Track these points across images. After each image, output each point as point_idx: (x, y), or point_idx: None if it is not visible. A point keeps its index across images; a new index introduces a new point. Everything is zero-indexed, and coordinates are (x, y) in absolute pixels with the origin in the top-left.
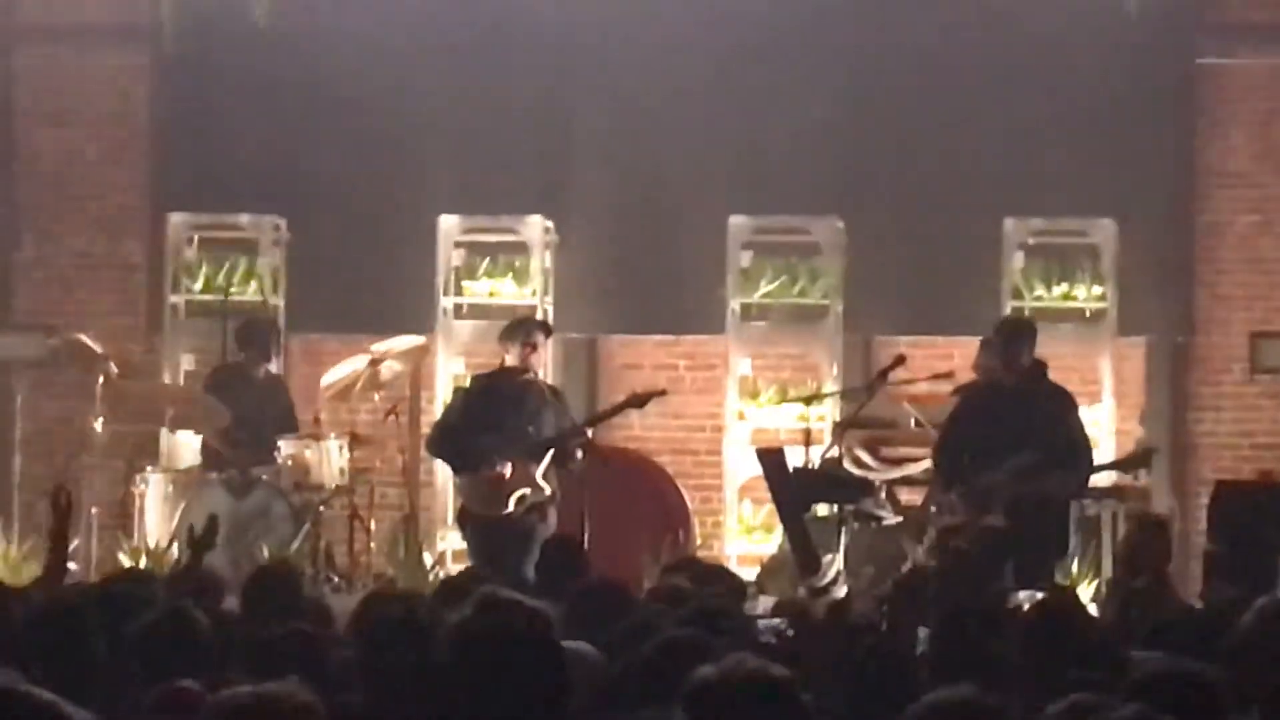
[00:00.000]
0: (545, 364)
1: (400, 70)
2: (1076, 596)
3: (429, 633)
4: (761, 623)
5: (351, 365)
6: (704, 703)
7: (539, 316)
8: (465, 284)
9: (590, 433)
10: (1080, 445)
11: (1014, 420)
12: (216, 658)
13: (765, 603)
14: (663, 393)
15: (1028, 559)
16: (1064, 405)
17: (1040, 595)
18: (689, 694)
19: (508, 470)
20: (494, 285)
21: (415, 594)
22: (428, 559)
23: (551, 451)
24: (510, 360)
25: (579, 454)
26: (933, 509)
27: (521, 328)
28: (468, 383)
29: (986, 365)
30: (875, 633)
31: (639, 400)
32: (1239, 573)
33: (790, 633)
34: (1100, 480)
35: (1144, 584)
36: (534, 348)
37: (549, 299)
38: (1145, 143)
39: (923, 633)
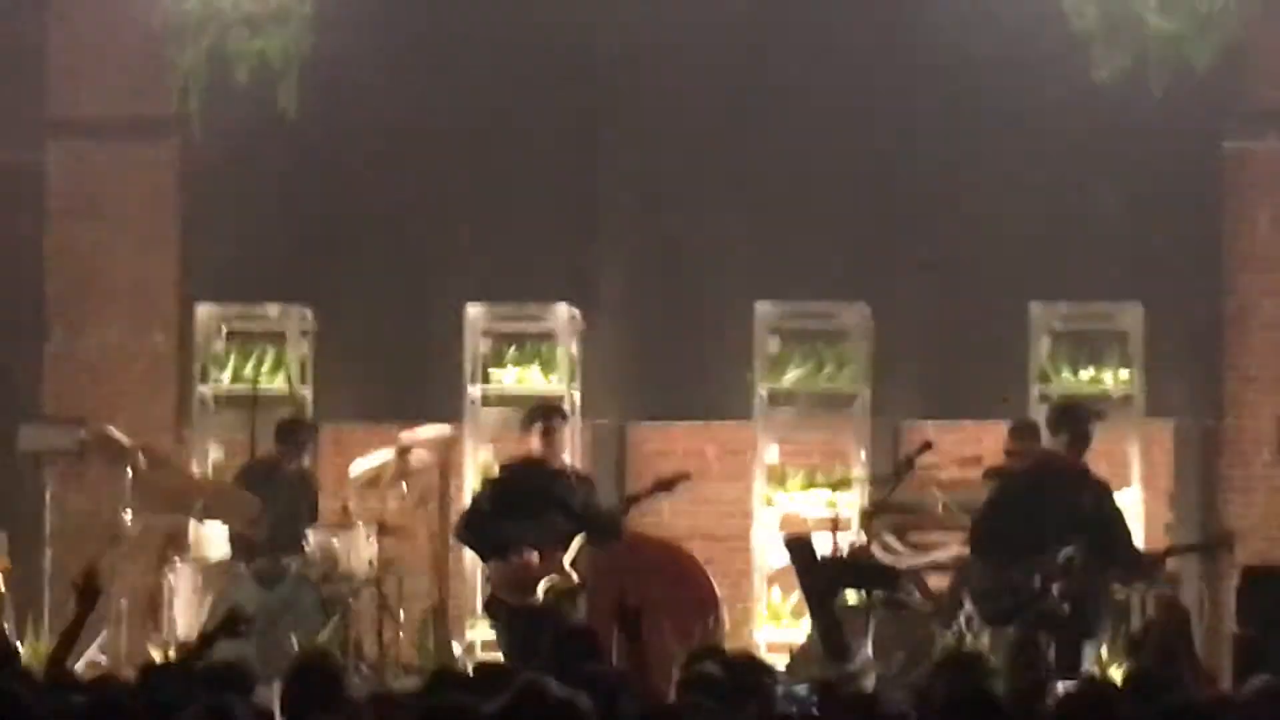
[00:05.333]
0: (574, 451)
1: (426, 159)
2: (1113, 685)
3: None
4: (781, 688)
5: (380, 455)
6: None
7: (566, 404)
8: (493, 372)
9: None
10: (1128, 533)
11: (1066, 504)
12: None
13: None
14: (688, 477)
15: (1072, 645)
16: (1107, 491)
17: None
18: None
19: (536, 558)
20: (521, 373)
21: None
22: (457, 648)
23: (581, 537)
24: (533, 447)
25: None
26: (970, 591)
27: (536, 412)
28: (496, 471)
29: (1018, 450)
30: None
31: (665, 485)
32: (1269, 657)
33: (815, 708)
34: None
35: (1169, 668)
36: (549, 432)
37: (576, 386)
38: (1172, 227)
39: None
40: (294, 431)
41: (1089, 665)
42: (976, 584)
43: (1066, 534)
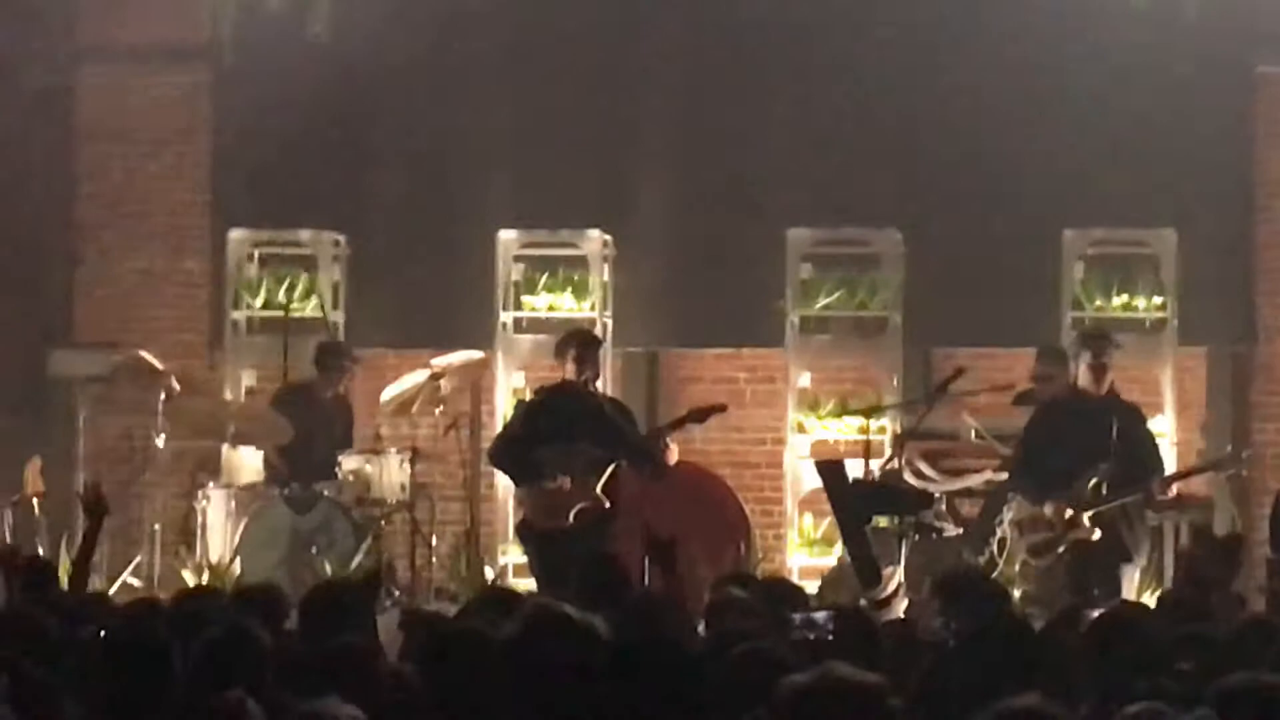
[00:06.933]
0: (605, 377)
1: (459, 84)
2: (1143, 608)
3: (480, 646)
4: (798, 616)
5: (412, 380)
6: (796, 711)
7: (598, 330)
8: (524, 298)
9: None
10: (1158, 456)
11: (1094, 432)
12: (277, 673)
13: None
14: (723, 408)
15: (1109, 571)
16: (1138, 416)
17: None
18: (779, 702)
19: (568, 483)
20: (553, 299)
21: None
22: (489, 573)
23: (614, 464)
24: (567, 373)
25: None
26: (1009, 521)
27: (571, 339)
28: (530, 395)
29: (1046, 375)
30: (943, 646)
31: (699, 415)
32: None
33: (831, 632)
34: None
35: (1208, 596)
36: (583, 359)
37: (608, 313)
38: (1205, 152)
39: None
40: (334, 356)
41: (1128, 591)
42: (1015, 518)
43: (1097, 462)
